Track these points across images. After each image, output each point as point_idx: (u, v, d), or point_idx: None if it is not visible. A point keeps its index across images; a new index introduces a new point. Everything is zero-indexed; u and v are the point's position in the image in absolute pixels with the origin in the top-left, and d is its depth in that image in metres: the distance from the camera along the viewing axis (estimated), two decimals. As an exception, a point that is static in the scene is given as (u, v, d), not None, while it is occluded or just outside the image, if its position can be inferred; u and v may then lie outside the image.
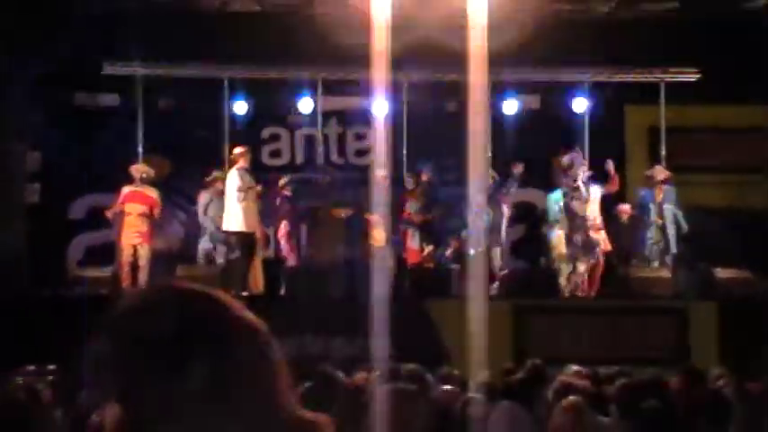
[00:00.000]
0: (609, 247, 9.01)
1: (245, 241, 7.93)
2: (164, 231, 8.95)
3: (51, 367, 5.66)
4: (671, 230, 9.47)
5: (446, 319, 8.36)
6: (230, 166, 8.21)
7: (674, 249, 9.53)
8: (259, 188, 8.18)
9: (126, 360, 0.80)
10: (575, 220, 8.73)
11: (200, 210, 8.62)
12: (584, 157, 9.22)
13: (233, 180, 7.89)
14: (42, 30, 7.88)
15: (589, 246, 8.64)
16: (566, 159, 8.82)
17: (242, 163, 8.01)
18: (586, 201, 8.80)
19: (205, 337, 0.82)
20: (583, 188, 8.76)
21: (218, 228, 8.32)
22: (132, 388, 0.79)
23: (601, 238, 8.80)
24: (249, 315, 0.87)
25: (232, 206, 7.90)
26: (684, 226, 9.52)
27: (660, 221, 9.38)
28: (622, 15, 9.62)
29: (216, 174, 8.56)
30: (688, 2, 9.22)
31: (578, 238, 8.64)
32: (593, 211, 8.79)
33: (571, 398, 4.53)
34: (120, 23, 8.72)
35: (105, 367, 0.82)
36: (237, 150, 8.15)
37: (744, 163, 10.20)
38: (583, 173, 8.88)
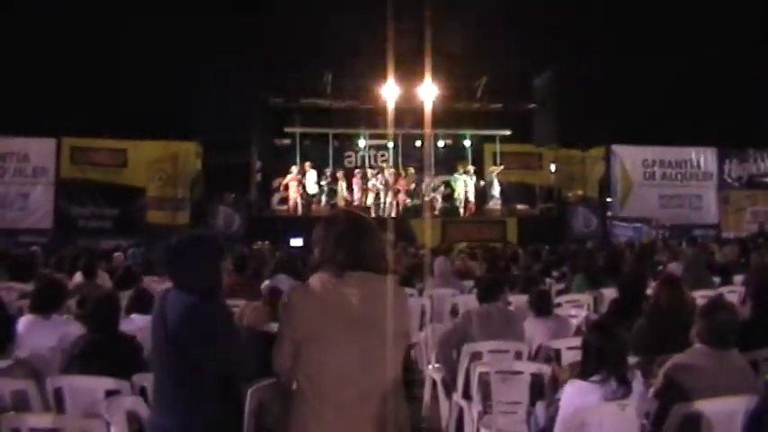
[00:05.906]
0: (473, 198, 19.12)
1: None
2: (305, 192, 19.04)
3: (267, 242, 16.07)
4: (498, 190, 19.40)
5: (416, 226, 17.37)
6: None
7: (499, 197, 19.44)
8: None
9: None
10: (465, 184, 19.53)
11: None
12: (470, 164, 19.68)
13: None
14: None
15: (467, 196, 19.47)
16: (464, 165, 19.72)
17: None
18: (467, 177, 19.22)
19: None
20: (470, 174, 19.45)
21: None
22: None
23: (472, 191, 19.51)
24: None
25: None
26: (501, 188, 19.25)
27: (497, 187, 19.12)
28: (484, 108, 19.76)
29: (329, 170, 19.14)
30: (506, 103, 19.87)
31: (464, 191, 19.16)
32: (471, 181, 19.51)
33: (462, 254, 10.30)
34: (288, 111, 19.64)
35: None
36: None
37: (519, 167, 20.54)
38: (470, 169, 19.58)
